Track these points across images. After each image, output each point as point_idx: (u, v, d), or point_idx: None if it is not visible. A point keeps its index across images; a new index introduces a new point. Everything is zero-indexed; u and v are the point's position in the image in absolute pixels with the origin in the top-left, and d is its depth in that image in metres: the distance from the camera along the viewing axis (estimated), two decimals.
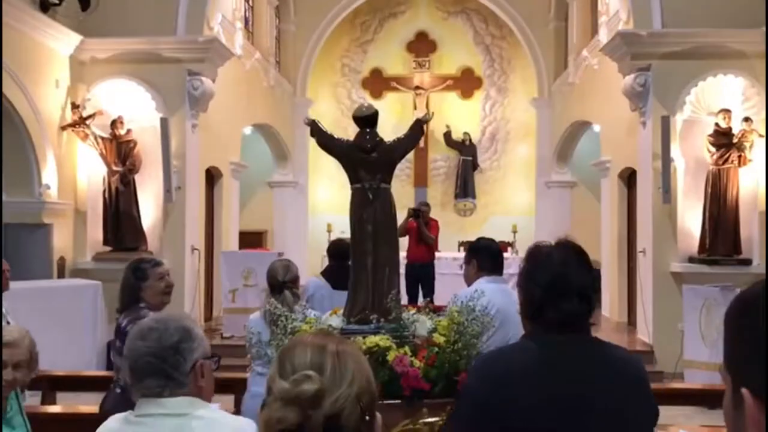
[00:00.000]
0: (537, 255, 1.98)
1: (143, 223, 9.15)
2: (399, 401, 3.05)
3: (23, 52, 8.22)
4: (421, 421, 2.91)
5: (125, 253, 8.46)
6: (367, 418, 1.21)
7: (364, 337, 3.25)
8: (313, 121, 4.10)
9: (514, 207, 15.28)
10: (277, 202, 14.96)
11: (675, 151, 8.61)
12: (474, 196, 15.35)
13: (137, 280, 3.65)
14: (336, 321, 3.65)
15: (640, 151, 9.23)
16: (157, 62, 9.17)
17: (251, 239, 13.62)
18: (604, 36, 10.23)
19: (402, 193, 14.12)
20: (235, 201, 11.94)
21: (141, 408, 1.83)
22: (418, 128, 4.06)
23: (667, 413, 6.28)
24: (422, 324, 3.48)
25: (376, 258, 3.68)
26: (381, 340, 3.23)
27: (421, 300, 8.46)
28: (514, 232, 12.41)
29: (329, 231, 13.12)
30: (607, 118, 11.05)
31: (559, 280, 1.85)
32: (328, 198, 15.18)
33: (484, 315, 3.30)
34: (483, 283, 3.63)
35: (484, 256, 3.83)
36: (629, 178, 10.41)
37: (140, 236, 9.13)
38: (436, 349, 3.23)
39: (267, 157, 14.73)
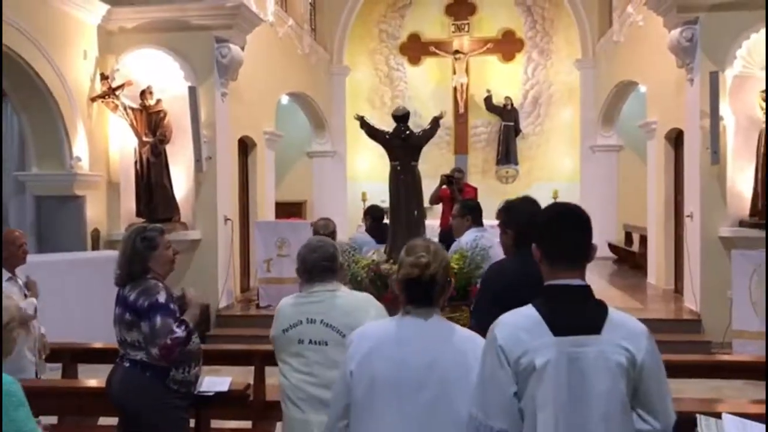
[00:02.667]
0: (510, 207, 3.30)
1: (176, 193, 9.08)
2: None
3: (50, 23, 8.16)
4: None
5: (158, 224, 8.38)
6: (449, 279, 2.36)
7: None
8: (362, 117, 5.64)
9: (558, 173, 14.84)
10: (316, 172, 14.81)
11: (725, 109, 8.14)
12: (516, 163, 14.96)
13: (147, 250, 3.50)
14: (377, 256, 5.46)
15: (688, 110, 8.75)
16: (185, 30, 9.01)
17: (290, 209, 13.52)
18: None
19: (441, 161, 13.84)
20: (271, 171, 11.80)
21: (312, 287, 3.15)
22: (436, 124, 5.75)
23: (714, 385, 6.02)
24: None
25: (407, 214, 5.28)
26: None
27: None
28: (555, 198, 11.97)
29: (364, 200, 12.92)
30: (653, 77, 10.53)
31: (526, 221, 2.94)
32: (366, 167, 14.96)
33: (485, 250, 4.75)
34: (477, 232, 5.10)
35: (477, 214, 5.23)
36: (676, 139, 9.91)
37: (173, 207, 9.06)
38: (455, 270, 4.46)
39: (305, 128, 14.56)
